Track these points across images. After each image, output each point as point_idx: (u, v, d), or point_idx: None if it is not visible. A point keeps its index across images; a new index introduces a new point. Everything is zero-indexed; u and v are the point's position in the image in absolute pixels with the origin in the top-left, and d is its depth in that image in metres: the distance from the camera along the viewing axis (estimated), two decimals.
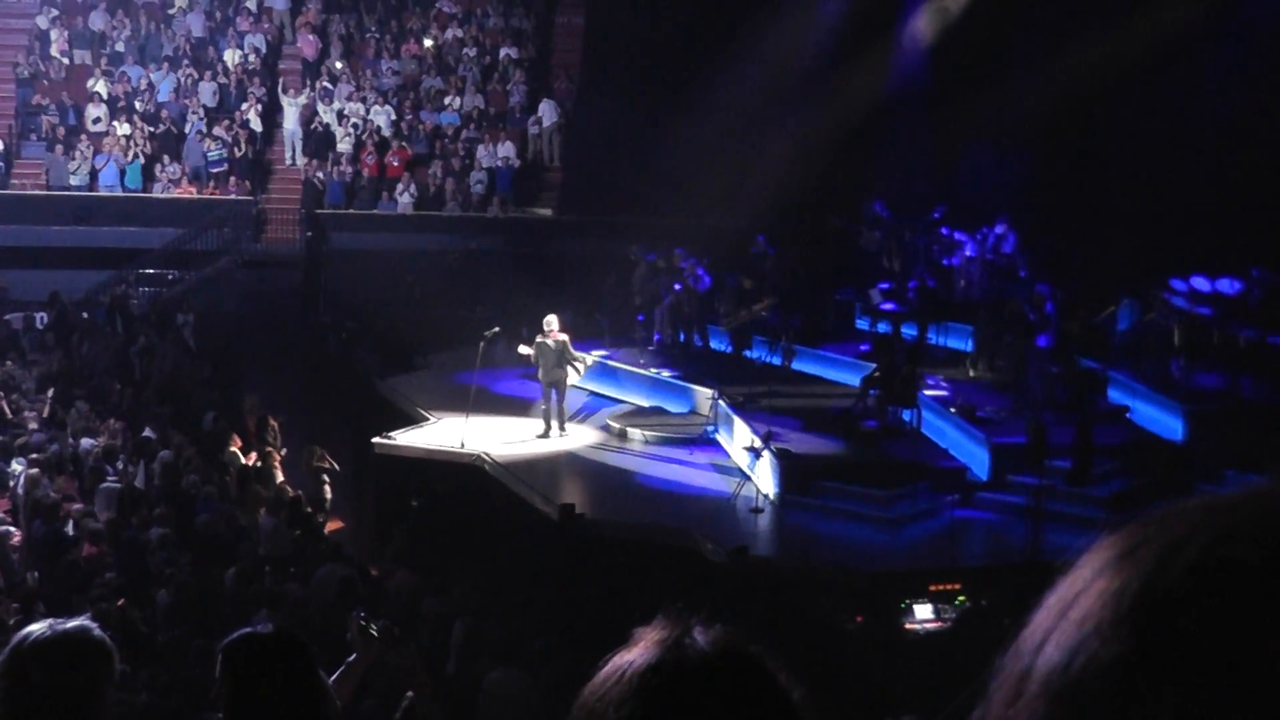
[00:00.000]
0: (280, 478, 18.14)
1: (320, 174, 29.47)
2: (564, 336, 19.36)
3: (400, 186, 29.72)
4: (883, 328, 22.33)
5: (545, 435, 19.46)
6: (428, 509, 18.44)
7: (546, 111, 31.26)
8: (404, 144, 30.67)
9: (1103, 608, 0.94)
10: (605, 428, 20.21)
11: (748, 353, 21.86)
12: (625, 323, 23.24)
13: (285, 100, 30.61)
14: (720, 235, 25.49)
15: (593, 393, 21.70)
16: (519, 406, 21.26)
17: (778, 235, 24.71)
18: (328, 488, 18.66)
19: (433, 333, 24.91)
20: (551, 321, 19.33)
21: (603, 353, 22.35)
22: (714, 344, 22.63)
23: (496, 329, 20.46)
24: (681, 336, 23.05)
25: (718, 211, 26.92)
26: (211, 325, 25.34)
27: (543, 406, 19.71)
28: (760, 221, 25.14)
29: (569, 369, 19.51)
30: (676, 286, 22.74)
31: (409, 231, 28.96)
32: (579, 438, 19.72)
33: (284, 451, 19.23)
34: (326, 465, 18.77)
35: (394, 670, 5.14)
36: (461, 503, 18.30)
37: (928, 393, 18.87)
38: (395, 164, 30.23)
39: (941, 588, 14.73)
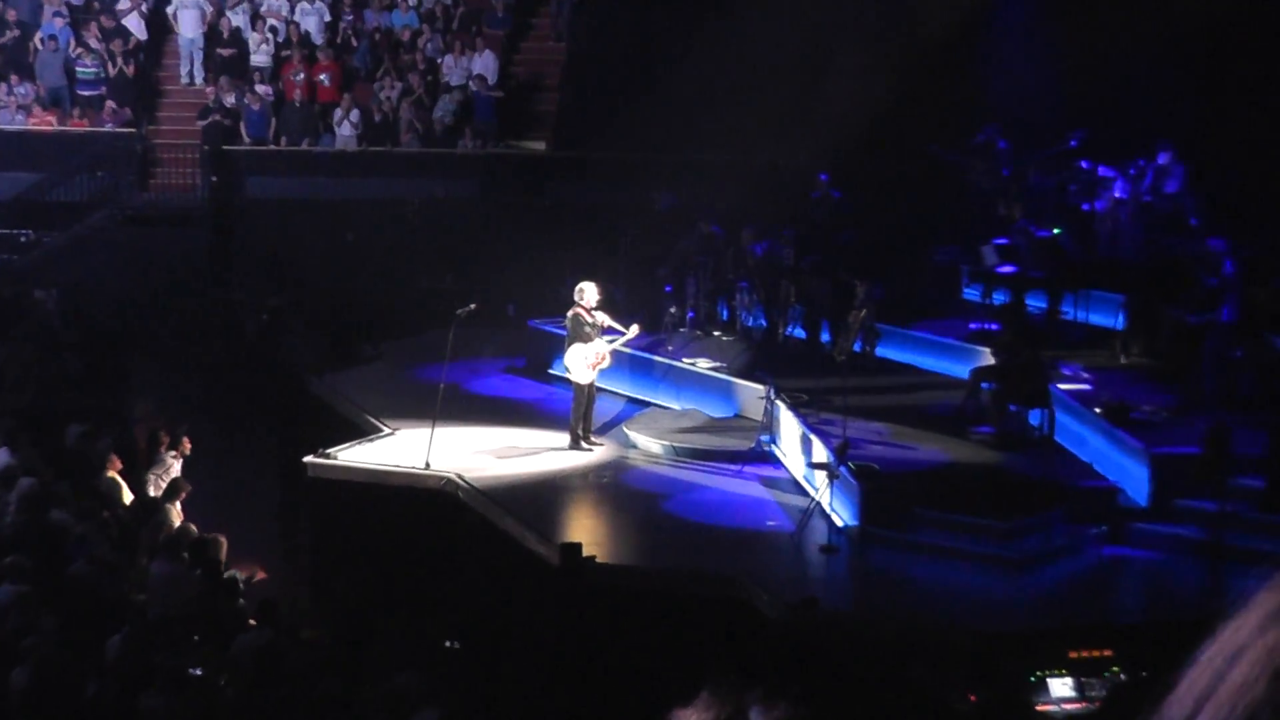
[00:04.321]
0: (179, 516, 18.18)
1: (229, 99, 29.57)
2: (578, 310, 19.52)
3: (339, 114, 29.82)
4: (999, 298, 22.34)
5: (572, 447, 19.83)
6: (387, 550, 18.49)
7: None
8: (341, 55, 30.77)
9: (1274, 671, 0.98)
10: (622, 439, 20.29)
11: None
12: (647, 295, 23.29)
13: None
14: (771, 175, 25.50)
15: (630, 399, 21.76)
16: (504, 412, 21.35)
17: (846, 175, 24.73)
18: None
19: (387, 312, 25.00)
20: (582, 290, 19.64)
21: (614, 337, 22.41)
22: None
23: (473, 305, 20.50)
24: (742, 318, 23.10)
25: (766, 146, 26.94)
26: (84, 304, 25.47)
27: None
28: (824, 158, 25.18)
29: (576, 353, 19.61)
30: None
31: (351, 175, 29.12)
32: (587, 454, 19.79)
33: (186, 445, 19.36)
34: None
35: None
36: (426, 543, 18.37)
37: (1062, 386, 18.89)
38: (328, 83, 30.33)
39: (1086, 654, 14.74)
